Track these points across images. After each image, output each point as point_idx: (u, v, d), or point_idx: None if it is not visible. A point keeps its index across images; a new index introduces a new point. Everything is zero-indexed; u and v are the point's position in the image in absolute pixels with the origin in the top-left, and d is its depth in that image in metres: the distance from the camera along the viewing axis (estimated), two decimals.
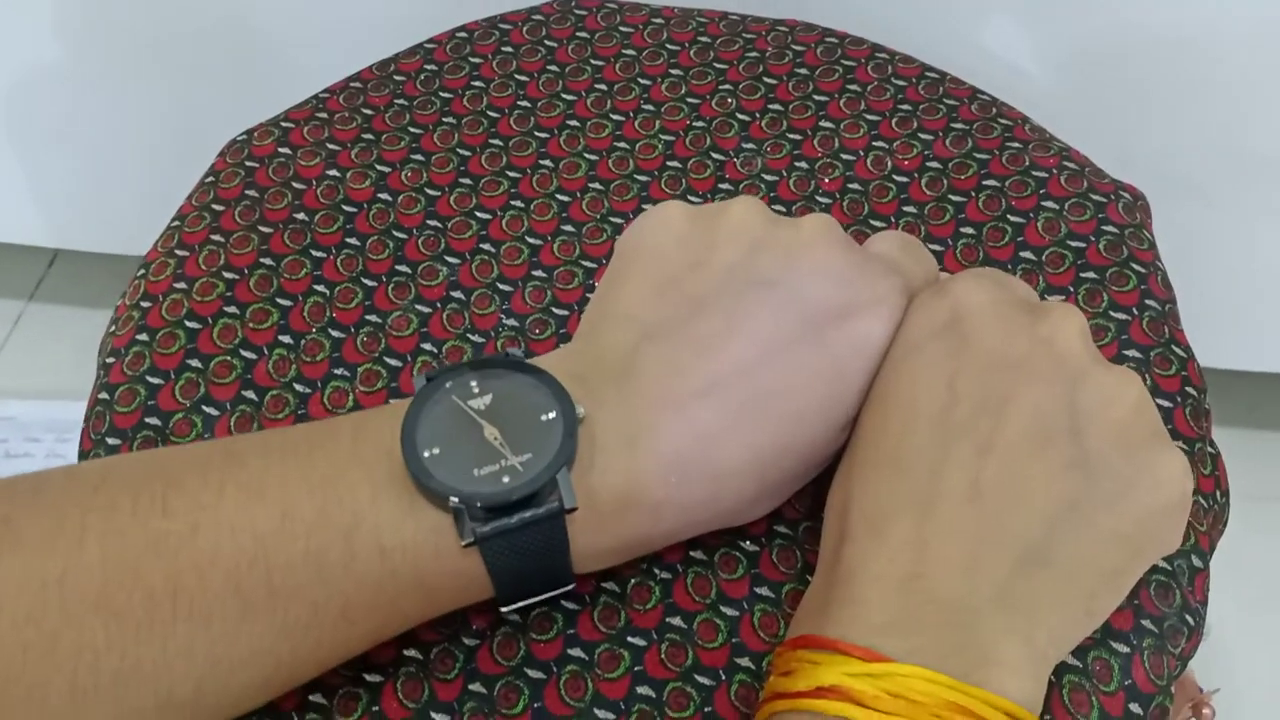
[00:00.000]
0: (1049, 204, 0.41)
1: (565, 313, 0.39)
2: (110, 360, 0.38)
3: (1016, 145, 0.43)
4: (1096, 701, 0.30)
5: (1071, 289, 0.39)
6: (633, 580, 0.33)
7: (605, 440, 0.29)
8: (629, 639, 0.32)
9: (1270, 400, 0.82)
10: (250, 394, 0.36)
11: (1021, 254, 0.40)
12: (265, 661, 0.28)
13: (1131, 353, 0.37)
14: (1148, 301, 0.38)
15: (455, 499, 0.28)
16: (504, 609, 0.31)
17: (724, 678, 0.31)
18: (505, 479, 0.28)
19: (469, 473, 0.28)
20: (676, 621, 0.32)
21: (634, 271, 0.33)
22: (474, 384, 0.30)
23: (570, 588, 0.31)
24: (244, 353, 0.37)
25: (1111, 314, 0.38)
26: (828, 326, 0.31)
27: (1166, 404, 0.36)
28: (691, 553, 0.34)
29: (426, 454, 0.28)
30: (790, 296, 0.31)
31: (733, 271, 0.32)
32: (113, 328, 0.39)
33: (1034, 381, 0.30)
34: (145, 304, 0.39)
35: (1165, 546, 0.30)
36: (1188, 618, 0.32)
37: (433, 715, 0.30)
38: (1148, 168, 0.47)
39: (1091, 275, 0.39)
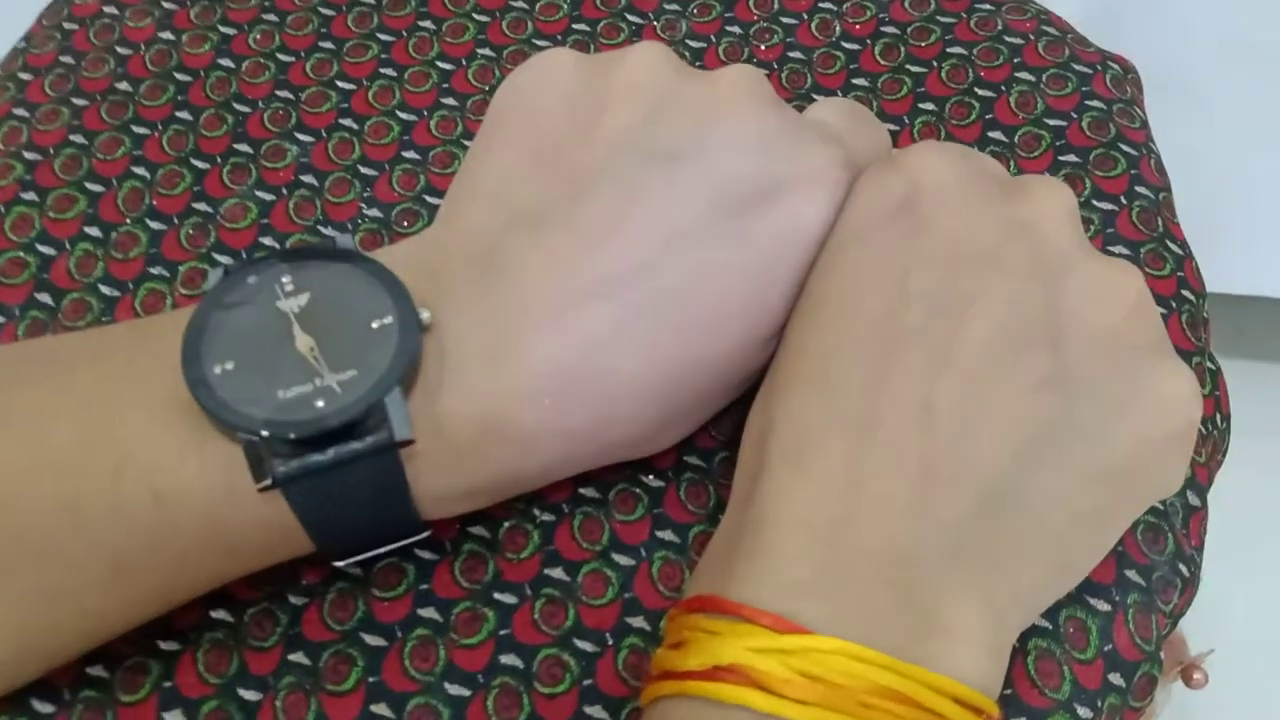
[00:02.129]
0: (1024, 75, 0.35)
1: (441, 202, 0.32)
2: None
3: (987, 8, 0.36)
4: (1069, 672, 0.25)
5: (1048, 175, 0.33)
6: (506, 524, 0.27)
7: (460, 353, 0.23)
8: (495, 596, 0.26)
9: (1260, 327, 0.77)
10: (45, 297, 0.30)
11: (990, 134, 0.34)
12: (12, 635, 0.22)
13: (1118, 249, 0.31)
14: (1138, 189, 0.32)
15: (248, 430, 0.21)
16: (338, 564, 0.25)
17: (611, 642, 0.25)
18: (319, 403, 0.22)
19: (271, 394, 0.22)
20: (557, 574, 0.26)
21: (506, 137, 0.26)
22: (286, 279, 0.23)
23: (423, 537, 0.25)
24: (41, 247, 0.31)
25: (1095, 204, 0.32)
26: (749, 210, 0.25)
27: (1160, 311, 0.30)
28: (581, 490, 0.28)
29: (217, 370, 0.22)
30: (701, 171, 0.25)
31: (628, 138, 0.25)
32: None
33: (1006, 276, 0.24)
34: None
35: (1163, 488, 0.24)
36: (1181, 567, 0.26)
37: (240, 692, 0.24)
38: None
39: (1072, 158, 0.33)
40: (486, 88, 0.34)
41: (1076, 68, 0.35)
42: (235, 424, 0.21)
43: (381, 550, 0.25)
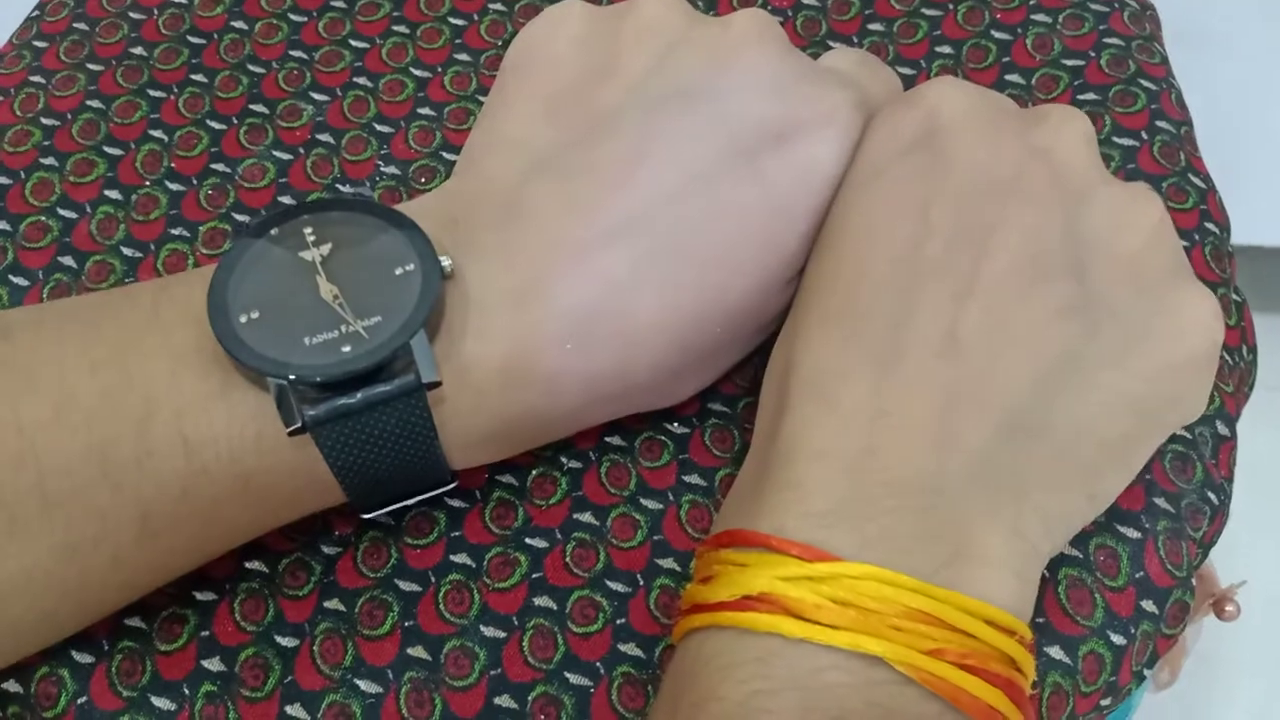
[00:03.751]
0: (1040, 17, 0.34)
1: (457, 158, 0.32)
2: None
3: None
4: (1101, 599, 0.25)
5: (1064, 105, 0.32)
6: (534, 471, 0.27)
7: (483, 297, 0.23)
8: (527, 540, 0.26)
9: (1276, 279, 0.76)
10: (68, 260, 0.30)
11: (1007, 77, 0.34)
12: (48, 587, 0.22)
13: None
14: (1159, 124, 0.32)
15: (276, 374, 0.21)
16: (365, 515, 0.25)
17: (642, 583, 0.26)
18: (345, 348, 0.22)
19: (298, 341, 0.22)
20: (586, 518, 0.26)
21: (522, 87, 0.26)
22: (309, 231, 0.23)
23: (450, 487, 0.25)
24: (62, 211, 0.31)
25: (1115, 140, 0.32)
26: (764, 151, 0.25)
27: (1183, 244, 0.30)
28: (607, 439, 0.28)
29: (243, 318, 0.22)
30: (716, 113, 0.25)
31: (643, 82, 0.25)
32: None
33: (1026, 204, 0.24)
34: None
35: (1187, 411, 0.24)
36: (1210, 495, 0.26)
37: (277, 639, 0.25)
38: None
39: (1091, 96, 0.33)
40: (499, 42, 0.34)
41: (1093, 6, 0.35)
42: (263, 369, 0.21)
43: (410, 501, 0.25)
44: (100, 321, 0.23)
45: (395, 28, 0.34)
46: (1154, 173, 0.31)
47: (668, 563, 0.26)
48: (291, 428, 0.21)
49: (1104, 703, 0.24)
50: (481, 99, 0.33)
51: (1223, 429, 0.27)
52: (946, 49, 0.34)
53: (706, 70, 0.25)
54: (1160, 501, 0.26)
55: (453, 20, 0.35)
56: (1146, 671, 0.25)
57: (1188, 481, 0.26)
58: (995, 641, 0.21)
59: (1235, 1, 0.57)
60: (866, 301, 0.23)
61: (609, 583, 0.25)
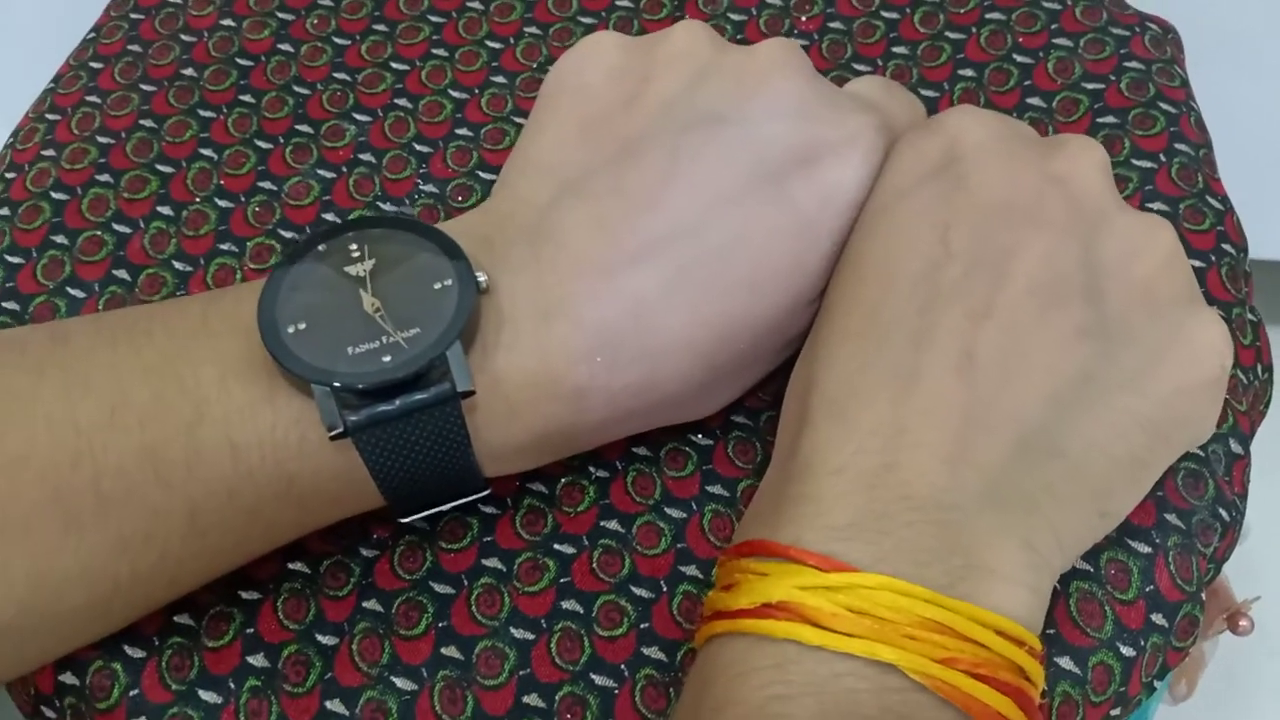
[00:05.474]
0: (1062, 41, 0.35)
1: (493, 177, 0.33)
2: None
3: None
4: (1111, 612, 0.25)
5: (1081, 134, 0.33)
6: (563, 480, 0.28)
7: (515, 312, 0.24)
8: (555, 546, 0.27)
9: None
10: (122, 273, 0.31)
11: (1028, 100, 0.34)
12: (100, 581, 0.23)
13: (1157, 205, 0.32)
14: (1178, 146, 0.33)
15: (321, 381, 0.23)
16: (403, 519, 0.26)
17: (665, 589, 0.27)
18: (385, 358, 0.23)
19: (341, 351, 0.23)
20: (612, 525, 0.27)
21: (556, 113, 0.27)
22: (353, 247, 0.25)
23: (484, 494, 0.26)
24: (117, 226, 0.32)
25: (1134, 162, 0.32)
26: (789, 174, 0.26)
27: (1199, 264, 0.30)
28: (634, 449, 0.29)
29: (290, 329, 0.23)
30: (742, 136, 0.26)
31: (672, 107, 0.26)
32: None
33: (1043, 230, 0.24)
34: (10, 175, 0.34)
35: (1197, 433, 0.25)
36: (1221, 511, 0.27)
37: (318, 637, 0.26)
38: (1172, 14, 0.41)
39: (1110, 119, 0.33)
40: (534, 64, 0.35)
41: (1114, 31, 0.35)
42: (309, 376, 0.23)
43: (445, 507, 0.26)
44: (152, 330, 0.24)
45: (434, 51, 0.36)
46: (1172, 194, 0.32)
47: (690, 570, 0.27)
48: (334, 432, 0.23)
49: (1114, 713, 0.25)
50: (517, 119, 0.34)
51: (1236, 447, 0.28)
52: (969, 72, 0.35)
53: (734, 96, 0.26)
54: (1171, 518, 0.26)
55: (489, 44, 0.36)
56: (1157, 683, 0.26)
57: (1199, 498, 0.27)
58: (1006, 651, 0.21)
59: (1263, 17, 0.58)
60: (887, 321, 0.24)
61: (634, 588, 0.26)
